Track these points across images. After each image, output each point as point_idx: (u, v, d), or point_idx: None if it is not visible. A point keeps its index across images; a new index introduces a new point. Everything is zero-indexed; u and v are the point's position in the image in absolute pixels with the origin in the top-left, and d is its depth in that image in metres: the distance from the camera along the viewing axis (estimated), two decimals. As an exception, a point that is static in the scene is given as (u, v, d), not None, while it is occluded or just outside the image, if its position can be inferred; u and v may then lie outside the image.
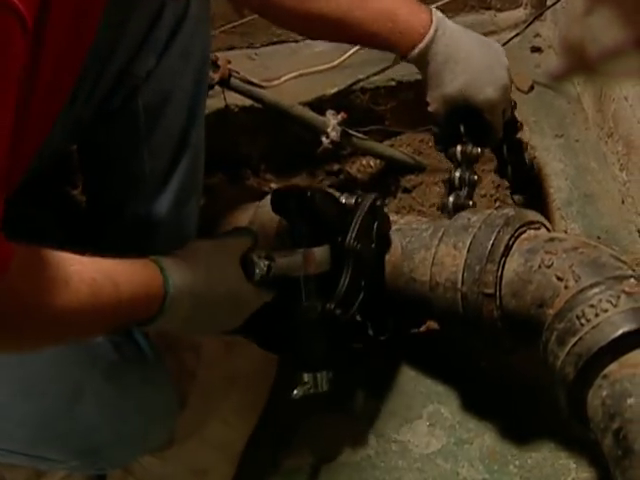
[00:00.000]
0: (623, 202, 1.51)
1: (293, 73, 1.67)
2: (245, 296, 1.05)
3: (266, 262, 1.07)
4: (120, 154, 1.29)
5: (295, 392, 1.12)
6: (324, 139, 1.57)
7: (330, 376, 1.14)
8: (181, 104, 1.28)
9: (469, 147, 1.29)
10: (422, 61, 1.24)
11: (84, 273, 0.88)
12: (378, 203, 1.20)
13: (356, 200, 1.19)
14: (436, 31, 1.22)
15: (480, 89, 1.23)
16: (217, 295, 1.02)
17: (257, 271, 1.06)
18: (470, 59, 1.24)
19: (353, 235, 1.15)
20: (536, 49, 1.80)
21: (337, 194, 1.21)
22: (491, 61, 1.26)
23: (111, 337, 1.05)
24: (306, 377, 1.13)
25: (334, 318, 1.11)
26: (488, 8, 1.88)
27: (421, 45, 1.22)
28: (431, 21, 1.22)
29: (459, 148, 1.29)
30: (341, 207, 1.19)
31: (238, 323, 1.08)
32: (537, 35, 1.82)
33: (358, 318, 1.18)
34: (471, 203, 1.28)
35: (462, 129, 1.28)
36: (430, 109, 1.27)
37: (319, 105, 1.66)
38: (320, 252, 1.13)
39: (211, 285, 1.01)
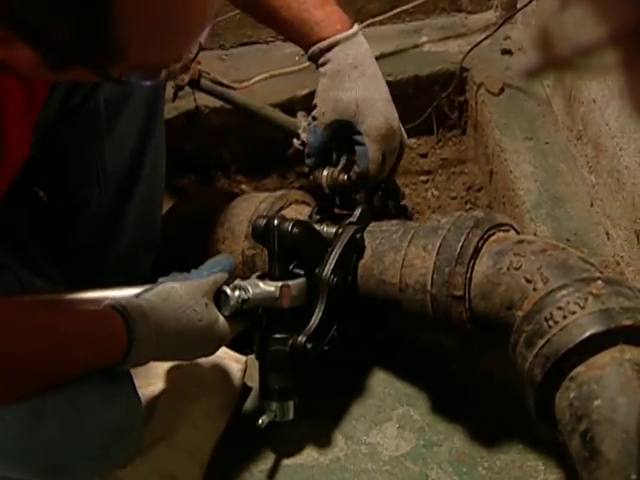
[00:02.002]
0: (592, 205, 1.51)
1: (264, 74, 1.67)
2: (218, 333, 1.08)
3: (240, 295, 1.09)
4: (82, 151, 1.28)
5: (260, 421, 1.14)
6: (295, 140, 1.57)
7: (296, 404, 1.16)
8: (141, 99, 1.28)
9: (337, 172, 1.25)
10: (329, 57, 1.22)
11: (43, 333, 0.92)
12: (358, 236, 1.20)
13: (336, 231, 1.19)
14: (355, 34, 1.22)
15: (372, 113, 1.21)
16: (187, 340, 1.05)
17: (231, 304, 1.08)
18: (376, 81, 1.24)
19: (330, 268, 1.15)
20: (506, 51, 1.81)
21: (317, 225, 1.21)
22: (390, 104, 1.25)
23: None
24: (273, 406, 1.15)
25: (304, 352, 1.12)
26: (459, 10, 1.89)
27: (336, 37, 1.21)
28: (351, 25, 1.22)
29: (325, 172, 1.26)
30: (321, 239, 1.19)
31: (211, 354, 1.12)
32: (507, 38, 1.83)
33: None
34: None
35: (334, 154, 1.26)
36: (314, 113, 1.25)
37: (290, 106, 1.66)
38: (296, 286, 1.14)
39: (181, 332, 1.04)
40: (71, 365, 0.95)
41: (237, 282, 1.11)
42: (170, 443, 1.17)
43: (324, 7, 1.22)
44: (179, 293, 1.05)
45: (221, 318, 1.08)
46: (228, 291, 1.08)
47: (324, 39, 1.21)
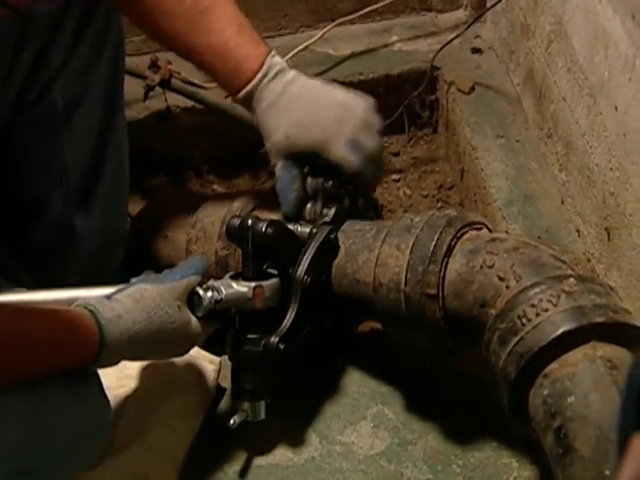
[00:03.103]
0: (562, 202, 1.53)
1: (234, 74, 1.66)
2: (190, 334, 1.08)
3: (213, 296, 1.09)
4: (41, 149, 1.27)
5: (232, 421, 1.14)
6: (266, 140, 1.56)
7: (268, 404, 1.16)
8: (99, 94, 1.27)
9: (319, 181, 1.25)
10: (249, 105, 1.24)
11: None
12: (332, 236, 1.20)
13: (310, 231, 1.19)
14: (264, 76, 1.21)
15: (306, 134, 1.22)
16: (159, 342, 1.05)
17: (204, 304, 1.08)
18: (315, 96, 1.24)
19: (304, 268, 1.15)
20: (476, 50, 1.81)
21: (291, 225, 1.21)
22: (322, 111, 1.23)
23: None
24: (245, 406, 1.15)
25: (277, 353, 1.12)
26: (429, 10, 1.89)
27: (246, 89, 1.22)
28: (262, 65, 1.22)
29: (309, 205, 1.25)
30: (294, 239, 1.19)
31: (183, 355, 1.12)
32: (477, 36, 1.84)
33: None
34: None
35: (306, 169, 1.26)
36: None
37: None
38: (269, 287, 1.14)
39: (153, 334, 1.03)
40: (39, 367, 0.94)
41: (210, 283, 1.11)
42: (144, 444, 1.17)
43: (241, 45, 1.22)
44: (152, 295, 1.04)
45: (194, 319, 1.08)
46: (201, 292, 1.08)
47: (249, 80, 1.21)
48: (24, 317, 0.96)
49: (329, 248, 1.19)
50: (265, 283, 1.13)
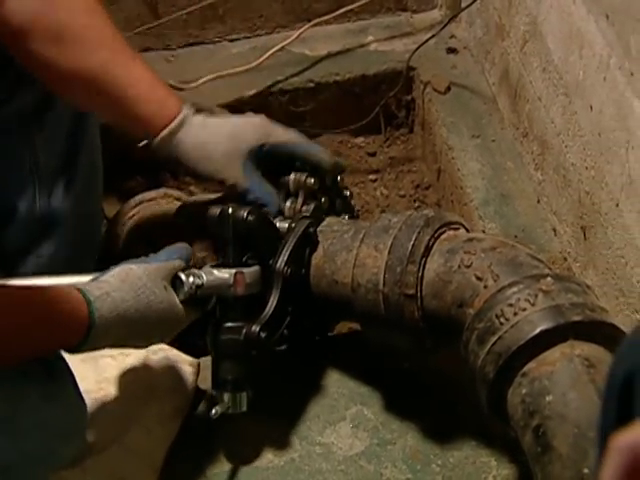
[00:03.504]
0: (538, 201, 1.53)
1: (211, 75, 1.66)
2: (176, 316, 1.07)
3: (195, 281, 1.08)
4: (12, 150, 1.26)
5: (213, 411, 1.13)
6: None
7: (250, 396, 1.15)
8: None
9: (302, 178, 1.26)
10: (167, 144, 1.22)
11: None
12: (311, 230, 1.20)
13: (289, 225, 1.20)
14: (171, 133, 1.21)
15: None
16: (147, 321, 1.03)
17: (185, 289, 1.07)
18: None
19: (284, 259, 1.15)
20: (452, 50, 1.82)
21: (271, 217, 1.21)
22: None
23: None
24: (226, 397, 1.14)
25: (258, 341, 1.11)
26: (404, 10, 1.89)
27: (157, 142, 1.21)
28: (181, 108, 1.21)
29: (288, 203, 1.26)
30: (274, 229, 1.19)
31: (168, 340, 1.11)
32: (452, 36, 1.84)
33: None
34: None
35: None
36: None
37: (238, 107, 1.65)
38: (250, 274, 1.14)
39: (141, 312, 1.02)
40: (25, 346, 0.93)
41: (191, 270, 1.11)
42: (122, 447, 1.16)
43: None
44: (137, 274, 1.04)
45: (179, 303, 1.07)
46: (182, 277, 1.08)
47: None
48: (11, 293, 0.94)
49: (308, 241, 1.19)
50: (246, 270, 1.13)
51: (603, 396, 0.56)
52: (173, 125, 1.20)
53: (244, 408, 1.15)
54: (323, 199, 1.27)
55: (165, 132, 1.20)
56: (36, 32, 1.15)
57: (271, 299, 1.15)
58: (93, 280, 1.03)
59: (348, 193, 1.33)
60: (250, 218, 1.14)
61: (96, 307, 0.96)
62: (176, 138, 1.21)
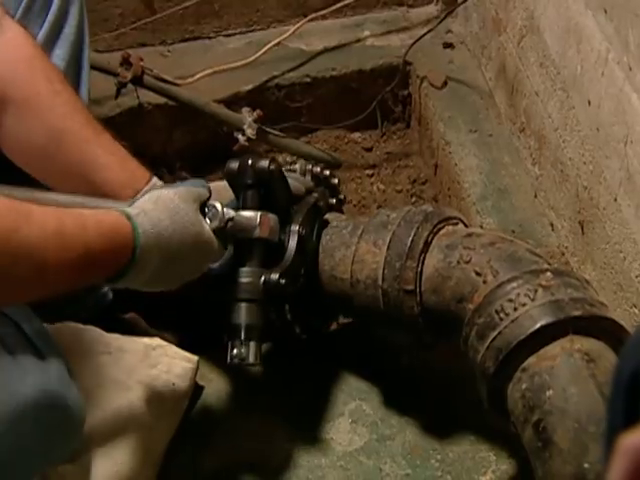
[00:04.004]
0: (536, 196, 1.53)
1: (207, 70, 1.65)
2: (208, 243, 1.04)
3: (228, 212, 1.07)
4: None
5: (229, 358, 1.11)
6: (240, 136, 1.56)
7: (260, 348, 1.12)
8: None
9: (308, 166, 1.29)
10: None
11: (48, 211, 0.86)
12: (321, 203, 1.22)
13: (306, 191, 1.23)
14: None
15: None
16: (183, 242, 1.01)
17: (219, 217, 1.05)
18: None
19: (300, 220, 1.16)
20: (448, 45, 1.82)
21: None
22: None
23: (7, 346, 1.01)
24: (237, 344, 1.11)
25: (277, 287, 1.10)
26: (400, 4, 1.89)
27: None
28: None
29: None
30: (288, 188, 1.19)
31: (200, 272, 1.07)
32: (449, 31, 1.84)
33: (288, 317, 1.19)
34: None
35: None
36: None
37: (234, 102, 1.65)
38: (273, 219, 1.13)
39: (177, 233, 0.99)
40: (75, 269, 0.89)
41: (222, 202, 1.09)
42: (121, 442, 1.16)
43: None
44: (169, 196, 1.01)
45: (209, 231, 1.04)
46: (217, 205, 1.06)
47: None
48: (63, 215, 0.90)
49: (318, 213, 1.21)
50: (270, 214, 1.13)
51: (609, 395, 0.56)
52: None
53: (254, 359, 1.11)
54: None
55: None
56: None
57: (288, 251, 1.14)
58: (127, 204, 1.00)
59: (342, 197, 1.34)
60: (272, 167, 1.13)
61: (138, 223, 0.94)
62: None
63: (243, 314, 1.12)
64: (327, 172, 1.32)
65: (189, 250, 1.02)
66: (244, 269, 1.12)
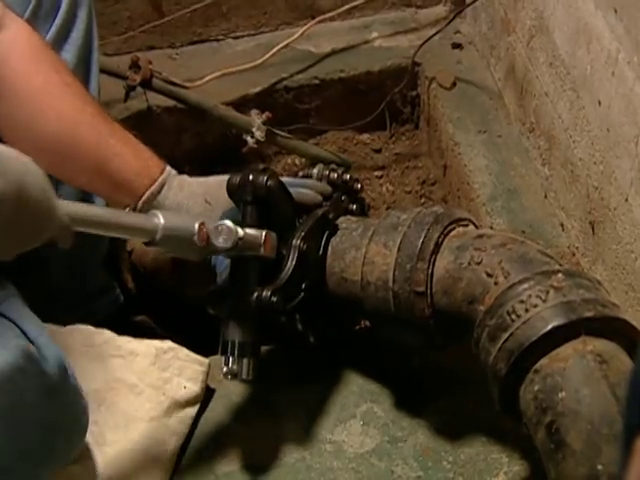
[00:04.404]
0: (546, 196, 1.53)
1: (216, 73, 1.66)
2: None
3: (238, 232, 1.06)
4: None
5: (224, 371, 1.11)
6: (249, 139, 1.56)
7: (254, 364, 1.12)
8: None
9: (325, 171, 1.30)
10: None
11: None
12: (330, 215, 1.21)
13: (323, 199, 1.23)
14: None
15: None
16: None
17: (232, 240, 1.05)
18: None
19: (301, 235, 1.15)
20: (457, 45, 1.82)
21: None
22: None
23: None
24: (230, 361, 1.11)
25: (268, 305, 1.10)
26: (409, 5, 1.90)
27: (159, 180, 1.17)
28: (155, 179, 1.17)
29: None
30: (291, 199, 1.18)
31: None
32: (457, 32, 1.84)
33: (299, 327, 1.18)
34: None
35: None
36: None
37: (243, 104, 1.65)
38: (274, 237, 1.13)
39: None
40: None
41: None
42: (131, 445, 1.16)
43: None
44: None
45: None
46: (228, 223, 1.05)
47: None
48: None
49: (326, 224, 1.20)
50: (272, 233, 1.12)
51: (626, 396, 0.55)
52: (154, 187, 1.16)
53: (245, 376, 1.12)
54: (343, 197, 1.27)
55: (147, 194, 1.16)
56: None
57: (285, 268, 1.13)
58: None
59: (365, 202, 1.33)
60: (270, 183, 1.12)
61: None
62: (157, 200, 1.17)
63: (236, 331, 1.12)
64: (347, 176, 1.31)
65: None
66: (237, 285, 1.12)
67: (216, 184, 1.20)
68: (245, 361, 1.12)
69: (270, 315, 1.12)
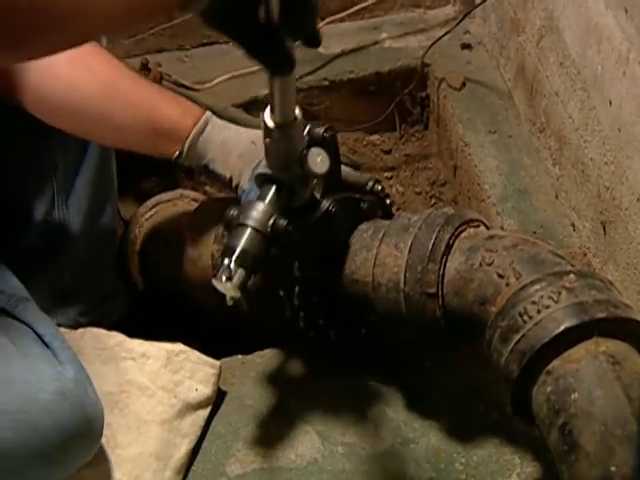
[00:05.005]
0: (557, 197, 1.53)
1: (226, 75, 1.66)
2: None
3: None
4: (31, 152, 1.26)
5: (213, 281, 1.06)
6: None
7: (245, 280, 1.06)
8: None
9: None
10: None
11: None
12: (364, 205, 1.21)
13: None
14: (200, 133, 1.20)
15: None
16: None
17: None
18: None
19: (339, 198, 1.14)
20: (466, 46, 1.82)
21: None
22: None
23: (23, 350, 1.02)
24: (225, 262, 1.05)
25: (282, 232, 1.07)
26: (418, 6, 1.89)
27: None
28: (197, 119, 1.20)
29: None
30: (339, 168, 1.18)
31: None
32: (467, 32, 1.84)
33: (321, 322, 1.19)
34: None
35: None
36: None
37: (253, 106, 1.65)
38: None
39: None
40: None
41: None
42: (142, 448, 1.16)
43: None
44: None
45: None
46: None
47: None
48: None
49: (359, 212, 1.20)
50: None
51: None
52: (199, 125, 1.20)
53: (234, 292, 1.05)
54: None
55: (193, 132, 1.19)
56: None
57: (309, 216, 1.12)
58: None
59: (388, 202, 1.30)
60: (326, 134, 1.12)
61: None
62: (202, 138, 1.20)
63: (244, 238, 1.07)
64: (379, 187, 1.25)
65: None
66: (262, 202, 1.08)
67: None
68: (240, 271, 1.05)
69: (279, 242, 1.08)
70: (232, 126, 1.23)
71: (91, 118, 1.18)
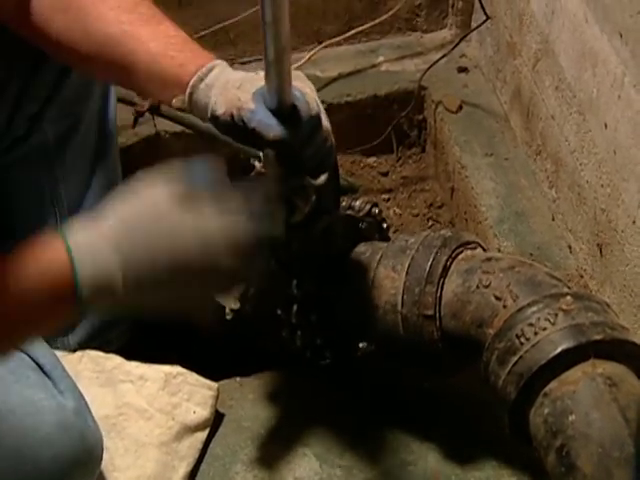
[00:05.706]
0: (553, 219, 1.53)
1: (223, 98, 1.66)
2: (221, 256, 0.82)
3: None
4: (33, 183, 1.26)
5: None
6: (256, 163, 1.56)
7: (243, 292, 1.05)
8: (91, 125, 1.27)
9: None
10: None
11: None
12: (362, 225, 1.22)
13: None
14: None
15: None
16: (170, 266, 0.81)
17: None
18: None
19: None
20: (463, 69, 1.83)
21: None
22: None
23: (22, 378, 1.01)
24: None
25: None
26: (414, 30, 1.90)
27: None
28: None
29: None
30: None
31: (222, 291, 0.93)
32: (463, 55, 1.85)
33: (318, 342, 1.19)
34: None
35: None
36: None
37: (251, 129, 1.66)
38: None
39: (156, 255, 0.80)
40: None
41: None
42: (140, 472, 1.16)
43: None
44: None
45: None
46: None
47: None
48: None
49: (355, 227, 1.21)
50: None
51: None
52: (204, 70, 1.05)
53: (231, 303, 1.05)
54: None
55: (195, 77, 1.06)
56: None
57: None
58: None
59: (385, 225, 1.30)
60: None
61: (81, 262, 0.79)
62: (204, 82, 1.05)
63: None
64: (368, 206, 1.24)
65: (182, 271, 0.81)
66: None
67: None
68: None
69: (278, 256, 1.08)
70: (240, 71, 1.08)
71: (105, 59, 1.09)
